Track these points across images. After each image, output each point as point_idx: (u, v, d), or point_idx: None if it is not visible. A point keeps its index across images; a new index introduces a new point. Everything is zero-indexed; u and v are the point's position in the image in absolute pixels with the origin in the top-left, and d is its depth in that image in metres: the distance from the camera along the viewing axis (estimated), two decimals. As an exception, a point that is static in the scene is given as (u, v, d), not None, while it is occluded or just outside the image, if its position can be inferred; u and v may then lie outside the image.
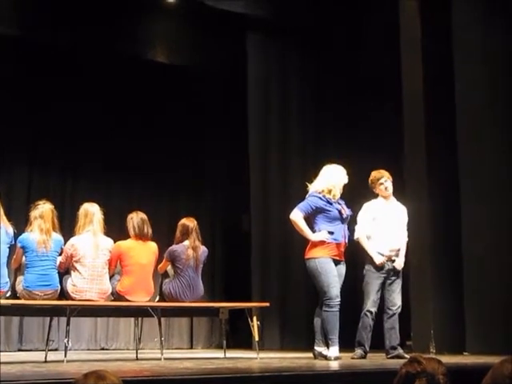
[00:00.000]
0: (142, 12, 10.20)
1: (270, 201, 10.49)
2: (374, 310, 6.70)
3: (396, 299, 6.75)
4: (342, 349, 6.45)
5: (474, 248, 7.80)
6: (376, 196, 6.92)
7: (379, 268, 6.71)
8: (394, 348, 6.65)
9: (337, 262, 6.46)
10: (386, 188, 6.82)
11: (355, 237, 6.82)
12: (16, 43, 9.71)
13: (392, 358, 6.54)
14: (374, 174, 6.88)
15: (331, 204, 6.47)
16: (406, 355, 6.34)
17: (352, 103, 10.26)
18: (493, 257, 7.66)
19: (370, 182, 6.88)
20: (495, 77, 7.92)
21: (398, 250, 6.82)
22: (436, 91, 8.35)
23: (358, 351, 6.66)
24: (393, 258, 6.77)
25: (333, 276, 6.34)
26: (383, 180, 6.82)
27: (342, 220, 6.52)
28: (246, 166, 10.57)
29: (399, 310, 6.78)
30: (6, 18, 9.35)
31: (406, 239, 6.94)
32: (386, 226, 6.79)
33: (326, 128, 10.48)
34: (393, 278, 6.77)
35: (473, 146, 7.96)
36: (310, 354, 6.64)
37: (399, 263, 6.78)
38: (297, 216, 6.48)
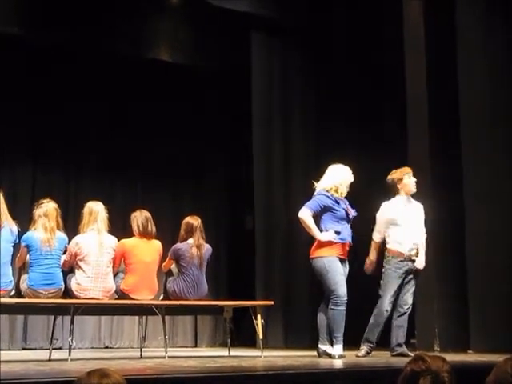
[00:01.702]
0: (145, 11, 10.19)
1: (273, 199, 10.49)
2: (389, 309, 6.68)
3: (409, 299, 6.75)
4: (346, 347, 6.45)
5: (477, 246, 7.79)
6: (394, 195, 6.89)
7: (399, 267, 6.69)
8: (400, 345, 6.64)
9: (342, 261, 6.47)
10: (415, 182, 6.81)
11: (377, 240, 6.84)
12: (17, 43, 9.69)
13: (397, 355, 6.54)
14: (400, 171, 6.83)
15: (338, 203, 6.48)
16: (411, 353, 6.34)
17: (354, 103, 10.24)
18: (496, 255, 7.65)
19: (393, 179, 6.82)
20: (498, 77, 7.91)
21: (418, 250, 6.79)
22: (440, 91, 8.33)
23: (364, 348, 6.62)
24: (413, 258, 6.74)
25: (340, 274, 6.35)
26: (412, 174, 6.83)
27: (348, 220, 6.54)
28: (250, 165, 10.57)
29: (410, 309, 6.78)
30: (7, 17, 9.34)
31: (425, 236, 6.90)
32: (406, 227, 6.76)
33: (329, 128, 10.46)
34: (411, 278, 6.75)
35: (476, 146, 7.95)
36: (314, 353, 6.63)
37: (420, 262, 6.75)
38: (305, 214, 6.45)
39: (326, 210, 6.46)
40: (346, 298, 6.34)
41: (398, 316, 6.71)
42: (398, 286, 6.71)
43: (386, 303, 6.67)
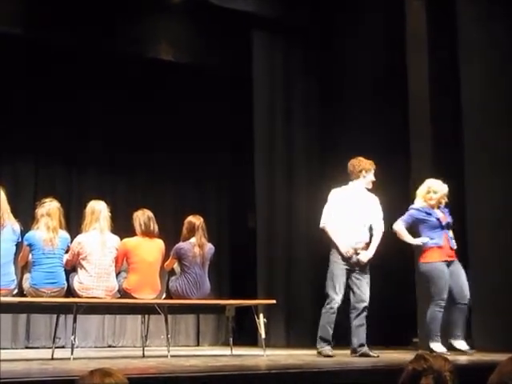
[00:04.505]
0: (147, 10, 10.17)
1: (275, 199, 10.49)
2: (340, 303, 6.55)
3: (364, 295, 6.58)
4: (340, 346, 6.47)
5: (479, 246, 7.79)
6: (346, 182, 6.83)
7: (345, 260, 6.57)
8: (363, 345, 6.49)
9: (448, 264, 6.90)
10: (373, 182, 6.83)
11: (320, 225, 6.73)
12: (17, 42, 9.66)
13: (361, 355, 6.39)
14: (370, 163, 6.79)
15: (430, 214, 6.94)
16: (373, 353, 6.37)
17: (357, 102, 10.24)
18: (498, 254, 7.65)
19: (361, 169, 6.73)
20: (500, 76, 7.92)
21: (366, 243, 6.71)
22: (441, 90, 8.34)
23: (327, 347, 6.46)
24: (358, 251, 6.63)
25: (440, 279, 6.84)
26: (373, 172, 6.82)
27: (443, 227, 6.94)
28: (251, 163, 10.57)
29: (367, 305, 6.60)
30: (6, 16, 9.34)
31: (383, 230, 6.82)
32: (354, 217, 6.67)
33: (331, 125, 10.47)
34: (359, 271, 6.61)
35: (478, 144, 7.96)
36: (315, 351, 6.57)
37: (366, 255, 6.63)
38: (398, 226, 7.05)
39: (419, 222, 6.96)
40: (444, 304, 6.77)
41: (357, 315, 6.54)
42: (346, 278, 6.57)
43: (338, 297, 6.51)
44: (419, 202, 7.01)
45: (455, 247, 6.95)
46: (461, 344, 6.74)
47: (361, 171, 6.74)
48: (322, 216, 6.75)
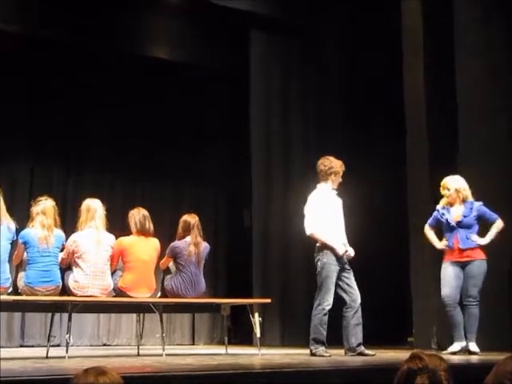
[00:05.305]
0: (146, 8, 10.15)
1: (271, 198, 10.48)
2: (331, 305, 6.54)
3: (357, 293, 6.62)
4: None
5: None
6: (318, 182, 6.82)
7: (338, 260, 6.58)
8: (360, 344, 6.50)
9: (462, 266, 6.87)
10: (340, 183, 6.84)
11: (308, 233, 6.68)
12: (16, 41, 9.62)
13: (357, 354, 6.41)
14: (340, 165, 6.77)
15: (443, 215, 6.97)
16: (369, 352, 6.37)
17: (354, 102, 10.25)
18: (495, 254, 7.64)
19: (331, 172, 6.73)
20: (497, 76, 7.94)
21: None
22: (437, 91, 8.35)
23: (321, 348, 6.45)
24: (347, 250, 6.68)
25: (444, 279, 6.93)
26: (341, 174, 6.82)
27: (452, 228, 6.89)
28: (248, 161, 10.56)
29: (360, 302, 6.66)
30: (9, 15, 9.32)
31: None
32: (337, 218, 6.73)
33: (328, 125, 10.47)
34: (347, 270, 6.65)
35: (474, 145, 7.98)
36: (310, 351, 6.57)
37: (352, 251, 6.71)
38: (425, 228, 7.16)
39: (439, 222, 7.04)
40: (446, 300, 6.80)
41: (354, 313, 6.55)
42: (336, 279, 6.58)
43: (330, 299, 6.51)
44: (442, 200, 7.06)
45: (467, 246, 6.83)
46: (470, 346, 6.69)
47: (331, 174, 6.74)
48: (306, 223, 6.69)
